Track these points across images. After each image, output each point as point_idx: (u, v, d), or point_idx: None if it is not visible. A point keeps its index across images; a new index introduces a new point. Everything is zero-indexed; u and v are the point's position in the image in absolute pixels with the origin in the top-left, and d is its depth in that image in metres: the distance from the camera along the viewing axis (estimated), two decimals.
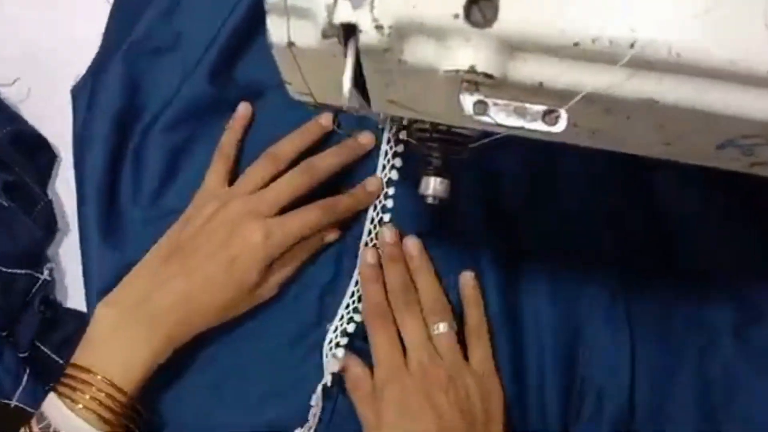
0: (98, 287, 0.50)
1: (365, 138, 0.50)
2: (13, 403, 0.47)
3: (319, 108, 0.34)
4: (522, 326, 0.48)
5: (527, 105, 0.26)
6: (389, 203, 0.50)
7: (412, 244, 0.48)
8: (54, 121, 0.57)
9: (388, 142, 0.51)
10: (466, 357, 0.46)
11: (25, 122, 0.56)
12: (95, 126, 0.52)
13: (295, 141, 0.50)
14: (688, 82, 0.25)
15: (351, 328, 0.48)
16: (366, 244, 0.49)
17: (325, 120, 0.51)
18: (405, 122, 0.38)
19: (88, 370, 0.42)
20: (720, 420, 0.46)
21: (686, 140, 0.29)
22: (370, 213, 0.50)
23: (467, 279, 0.48)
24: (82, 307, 0.53)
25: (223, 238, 0.45)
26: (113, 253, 0.50)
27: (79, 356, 0.44)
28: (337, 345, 0.47)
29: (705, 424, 0.47)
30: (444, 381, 0.44)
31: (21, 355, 0.49)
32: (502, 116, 0.26)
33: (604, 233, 0.49)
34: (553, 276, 0.49)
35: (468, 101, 0.25)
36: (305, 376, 0.48)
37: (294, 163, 0.49)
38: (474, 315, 0.47)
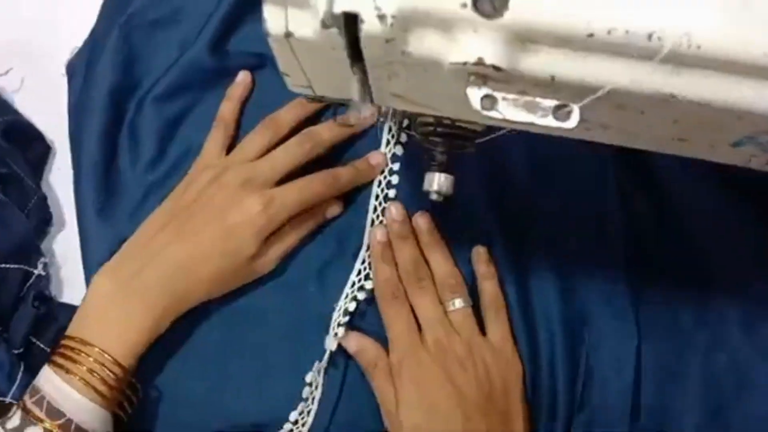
0: (96, 261, 0.49)
1: (367, 110, 0.49)
2: (8, 399, 0.46)
3: (318, 101, 0.33)
4: (534, 310, 0.47)
5: (538, 99, 0.24)
6: (394, 179, 0.48)
7: (422, 219, 0.46)
8: (48, 112, 0.55)
9: (393, 116, 0.49)
10: (482, 332, 0.45)
11: (19, 113, 0.54)
12: (92, 99, 0.51)
13: (296, 109, 0.48)
14: (708, 77, 0.23)
15: (352, 306, 0.46)
16: (372, 222, 0.48)
17: None
18: (406, 123, 0.36)
19: (83, 342, 0.41)
20: (728, 415, 0.46)
21: (702, 136, 0.27)
22: (375, 189, 0.48)
23: (480, 254, 0.46)
24: (77, 300, 0.52)
25: (221, 206, 0.44)
26: (110, 227, 0.49)
27: (75, 328, 0.43)
28: (339, 324, 0.46)
29: (712, 418, 0.46)
30: (462, 356, 0.43)
31: (15, 352, 0.48)
32: (511, 111, 0.24)
33: (611, 225, 0.48)
34: (560, 265, 0.47)
35: (475, 95, 0.24)
36: (306, 354, 0.46)
37: (294, 132, 0.48)
38: (489, 290, 0.46)
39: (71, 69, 0.54)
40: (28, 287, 0.50)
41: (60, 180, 0.55)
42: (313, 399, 0.46)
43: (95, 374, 0.41)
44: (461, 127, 0.34)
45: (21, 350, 0.48)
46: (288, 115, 0.48)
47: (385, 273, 0.46)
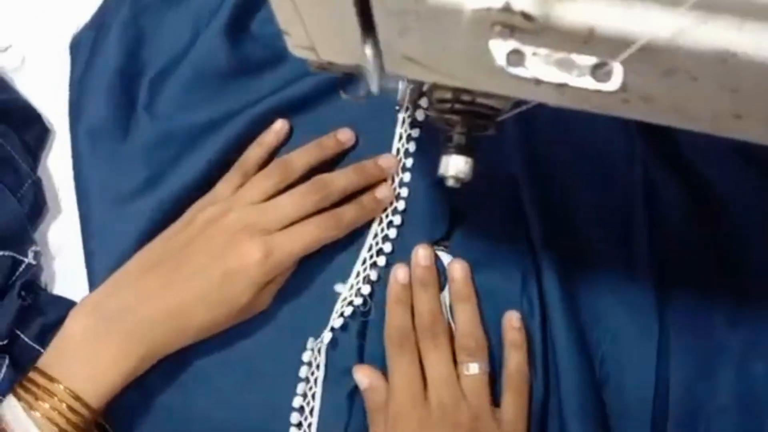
0: (107, 263, 0.46)
1: (386, 161, 0.46)
2: None
3: (324, 69, 0.29)
4: (544, 306, 0.43)
5: (573, 56, 0.21)
6: (409, 162, 0.46)
7: (458, 266, 0.43)
8: (49, 93, 0.53)
9: (402, 124, 0.46)
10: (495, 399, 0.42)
11: (16, 92, 0.52)
12: (96, 78, 0.49)
13: (310, 153, 0.45)
14: None
15: (366, 290, 0.45)
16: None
17: (344, 135, 0.47)
18: (425, 88, 0.33)
19: (51, 378, 0.39)
20: (766, 425, 0.42)
21: (763, 111, 0.24)
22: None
23: (512, 320, 0.42)
24: (70, 293, 0.49)
25: (219, 250, 0.41)
26: (115, 203, 0.47)
27: (45, 361, 0.40)
28: (349, 303, 0.44)
29: (748, 429, 0.42)
30: (466, 426, 0.39)
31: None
32: (541, 69, 0.21)
33: (637, 211, 0.44)
34: (571, 256, 0.44)
35: (500, 49, 0.21)
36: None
37: (305, 177, 0.45)
38: (514, 360, 0.42)
39: (76, 44, 0.52)
40: (17, 276, 0.47)
41: (59, 165, 0.53)
42: (316, 380, 0.43)
43: (59, 413, 0.38)
44: (481, 104, 0.30)
45: (5, 342, 0.45)
46: (301, 159, 0.45)
47: (398, 318, 0.43)
